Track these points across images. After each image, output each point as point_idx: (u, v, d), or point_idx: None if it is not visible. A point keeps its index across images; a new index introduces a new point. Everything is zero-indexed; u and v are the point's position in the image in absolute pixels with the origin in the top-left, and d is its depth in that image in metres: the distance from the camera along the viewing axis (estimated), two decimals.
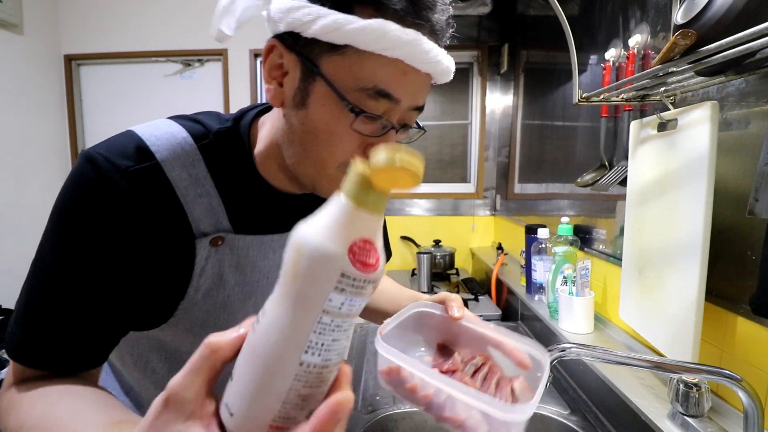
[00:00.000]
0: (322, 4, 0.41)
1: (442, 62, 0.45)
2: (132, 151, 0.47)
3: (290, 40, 0.45)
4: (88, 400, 0.42)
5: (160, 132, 0.49)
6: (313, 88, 0.45)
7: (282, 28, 0.44)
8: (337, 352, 0.27)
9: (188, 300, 0.52)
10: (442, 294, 0.58)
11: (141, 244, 0.46)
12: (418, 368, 0.44)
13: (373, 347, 0.91)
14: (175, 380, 0.27)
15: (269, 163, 0.54)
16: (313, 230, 0.26)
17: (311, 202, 0.60)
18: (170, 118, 0.53)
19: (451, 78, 0.49)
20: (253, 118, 0.56)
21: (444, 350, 0.55)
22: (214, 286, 0.53)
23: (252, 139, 0.55)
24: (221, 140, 0.52)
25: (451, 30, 0.47)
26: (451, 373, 0.51)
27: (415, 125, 0.51)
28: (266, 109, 0.57)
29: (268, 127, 0.53)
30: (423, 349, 0.57)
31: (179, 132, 0.50)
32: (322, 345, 0.26)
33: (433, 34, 0.44)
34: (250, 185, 0.54)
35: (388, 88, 0.43)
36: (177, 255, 0.50)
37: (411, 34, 0.41)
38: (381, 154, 0.25)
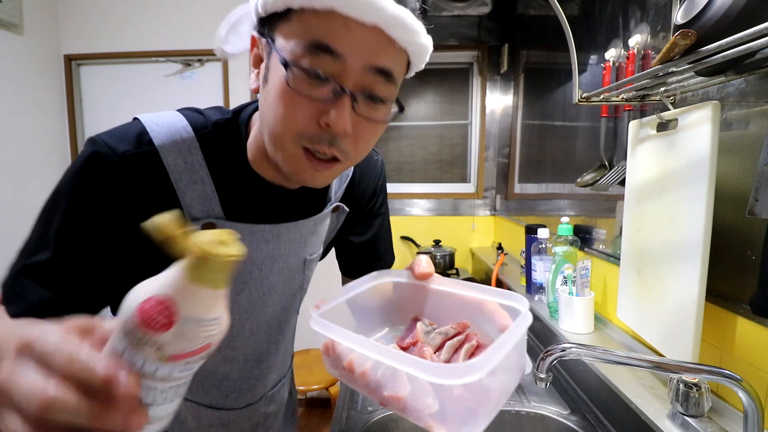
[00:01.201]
0: None
1: (386, 8, 0.40)
2: (132, 137, 0.50)
3: (258, 27, 0.47)
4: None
5: (161, 121, 0.52)
6: (271, 63, 0.45)
7: (255, 20, 0.47)
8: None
9: None
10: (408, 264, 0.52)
11: (132, 225, 0.47)
12: (347, 338, 0.37)
13: None
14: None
15: (259, 155, 0.54)
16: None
17: (302, 195, 0.60)
18: (178, 110, 0.55)
19: (416, 36, 0.44)
20: (251, 112, 0.57)
21: (414, 326, 0.46)
22: None
23: (248, 132, 0.56)
24: (218, 131, 0.54)
25: None
26: (411, 347, 0.43)
27: (385, 97, 0.46)
28: None
29: (257, 122, 0.54)
30: (387, 329, 0.49)
31: (180, 121, 0.52)
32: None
33: None
34: (242, 176, 0.55)
35: (326, 39, 0.41)
36: None
37: None
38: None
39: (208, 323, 0.28)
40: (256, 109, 0.57)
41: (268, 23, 0.45)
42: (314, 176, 0.48)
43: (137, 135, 0.50)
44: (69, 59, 2.47)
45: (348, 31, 0.40)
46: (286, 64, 0.41)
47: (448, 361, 0.41)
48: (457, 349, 0.41)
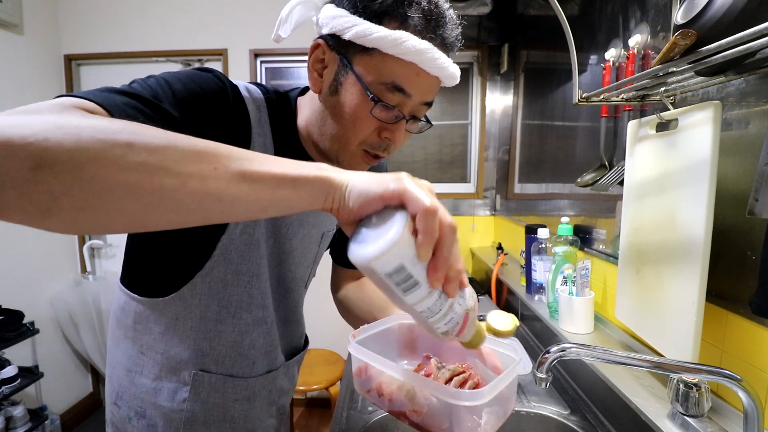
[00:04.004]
0: (359, 15, 0.52)
1: (449, 69, 0.55)
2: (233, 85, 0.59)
3: (331, 41, 0.56)
4: None
5: (239, 81, 0.62)
6: (345, 80, 0.56)
7: (326, 31, 0.55)
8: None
9: (228, 235, 0.61)
10: None
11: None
12: (381, 363, 0.47)
13: None
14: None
15: (306, 136, 0.64)
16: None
17: None
18: None
19: (457, 82, 0.60)
20: (297, 95, 0.67)
21: (429, 362, 0.56)
22: (251, 222, 0.62)
23: (295, 112, 0.66)
24: (280, 99, 0.64)
25: (459, 44, 0.58)
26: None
27: (423, 119, 0.62)
28: (301, 92, 0.68)
29: (306, 110, 0.64)
30: (406, 362, 0.59)
31: (251, 84, 0.63)
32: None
33: (443, 46, 0.55)
34: (293, 144, 0.65)
35: (402, 84, 0.54)
36: None
37: (424, 44, 0.52)
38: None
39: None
40: (300, 93, 0.67)
41: (345, 45, 0.54)
42: (364, 167, 0.61)
43: (232, 85, 0.58)
44: (69, 59, 2.47)
45: (418, 78, 0.54)
46: (375, 100, 0.54)
47: None
48: (462, 384, 0.51)
